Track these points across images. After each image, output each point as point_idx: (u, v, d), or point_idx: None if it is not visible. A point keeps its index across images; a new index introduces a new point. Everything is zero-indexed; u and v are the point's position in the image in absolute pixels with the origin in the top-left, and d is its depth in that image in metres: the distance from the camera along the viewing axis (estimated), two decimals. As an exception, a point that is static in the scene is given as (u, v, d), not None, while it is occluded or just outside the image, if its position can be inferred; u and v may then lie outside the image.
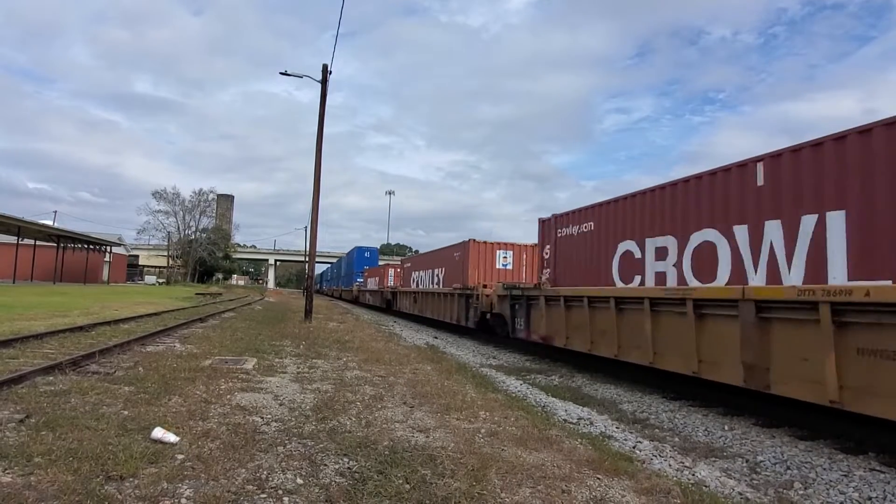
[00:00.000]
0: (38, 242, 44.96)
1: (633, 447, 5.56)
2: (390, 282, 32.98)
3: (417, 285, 25.36)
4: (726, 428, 6.80)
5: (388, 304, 31.34)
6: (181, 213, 79.62)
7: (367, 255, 49.06)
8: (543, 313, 11.81)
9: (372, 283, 39.27)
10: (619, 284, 9.86)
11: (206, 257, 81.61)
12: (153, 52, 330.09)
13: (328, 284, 77.71)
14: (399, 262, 33.48)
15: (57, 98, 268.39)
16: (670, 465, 5.00)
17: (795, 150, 6.62)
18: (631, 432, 6.36)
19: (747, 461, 5.58)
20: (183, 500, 3.19)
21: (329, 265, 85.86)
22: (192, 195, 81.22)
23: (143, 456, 3.76)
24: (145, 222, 76.93)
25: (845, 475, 5.14)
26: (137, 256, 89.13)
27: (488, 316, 15.60)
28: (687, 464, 5.11)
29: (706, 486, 4.47)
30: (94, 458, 3.63)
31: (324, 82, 18.64)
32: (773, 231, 6.80)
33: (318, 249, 20.17)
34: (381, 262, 47.64)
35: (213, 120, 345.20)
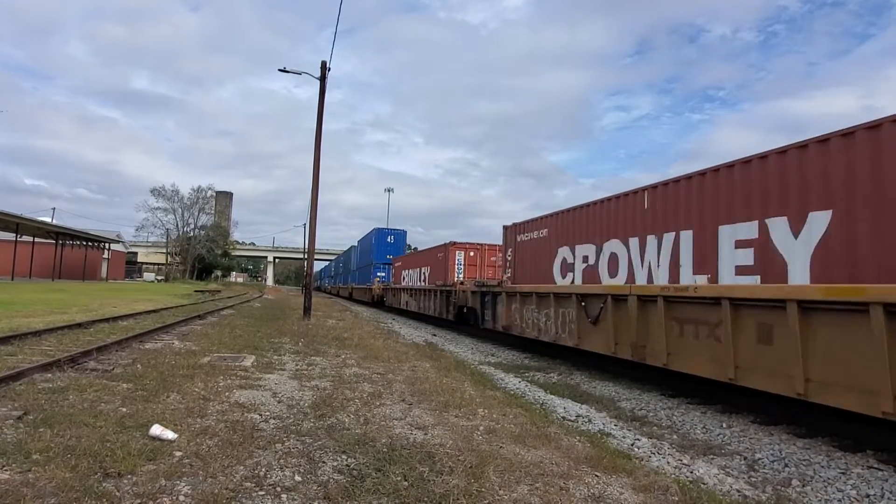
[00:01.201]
0: (36, 239, 44.91)
1: (632, 445, 5.57)
2: (460, 274, 20.18)
3: (584, 275, 11.20)
4: (724, 426, 6.81)
5: (460, 315, 17.81)
6: (180, 210, 79.51)
7: (390, 239, 37.01)
8: None
9: (412, 278, 26.04)
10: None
11: (205, 254, 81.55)
12: (150, 48, 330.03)
13: (330, 282, 71.33)
14: (471, 243, 21.01)
15: (55, 95, 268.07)
16: (668, 463, 5.01)
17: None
18: (629, 430, 6.37)
19: (745, 459, 5.59)
20: (181, 497, 3.18)
21: (328, 262, 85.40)
22: (191, 192, 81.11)
23: (141, 453, 3.76)
24: (144, 219, 76.92)
25: (843, 473, 5.14)
26: (136, 253, 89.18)
27: None
28: (685, 461, 5.12)
29: (704, 484, 4.47)
30: (92, 455, 3.63)
31: (322, 79, 18.59)
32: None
33: (317, 246, 20.14)
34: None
35: (211, 116, 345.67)
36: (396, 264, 30.72)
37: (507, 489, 3.58)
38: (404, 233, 39.06)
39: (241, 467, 3.71)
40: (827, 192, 6.39)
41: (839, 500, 4.58)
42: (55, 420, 4.40)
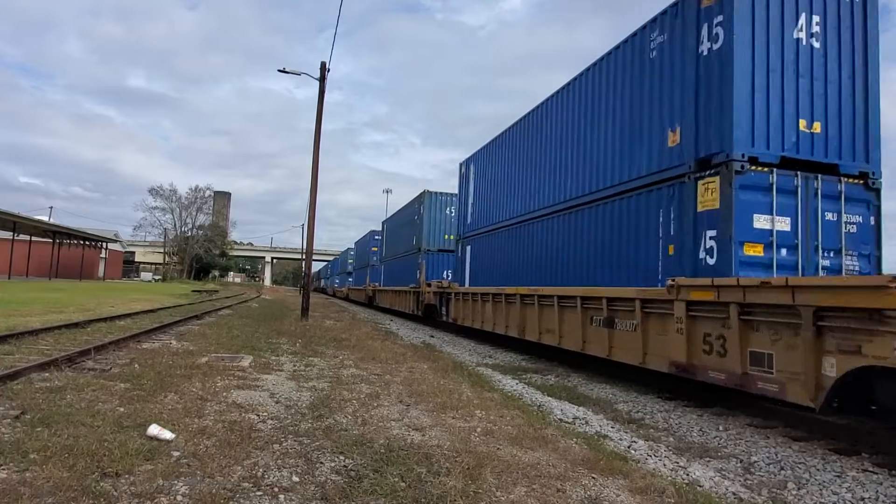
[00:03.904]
0: (33, 238, 44.81)
1: (628, 447, 5.58)
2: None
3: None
4: (721, 428, 6.83)
5: None
6: (178, 209, 79.51)
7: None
8: None
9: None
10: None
11: (203, 254, 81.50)
12: (147, 46, 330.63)
13: (341, 281, 58.74)
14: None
15: (51, 93, 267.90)
16: (665, 465, 5.02)
17: None
18: (626, 432, 6.38)
19: (741, 461, 5.60)
20: (179, 497, 3.19)
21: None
22: (189, 192, 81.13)
23: (138, 453, 3.76)
24: (142, 219, 77.07)
25: (838, 476, 5.16)
26: (133, 253, 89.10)
27: None
28: (681, 463, 5.14)
29: (700, 486, 4.49)
30: (89, 455, 3.63)
31: (322, 80, 18.61)
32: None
33: (315, 247, 20.13)
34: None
35: (207, 115, 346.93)
36: None
37: (504, 490, 3.59)
38: None
39: (239, 467, 3.72)
40: None
41: (834, 503, 4.60)
42: (53, 419, 4.40)
